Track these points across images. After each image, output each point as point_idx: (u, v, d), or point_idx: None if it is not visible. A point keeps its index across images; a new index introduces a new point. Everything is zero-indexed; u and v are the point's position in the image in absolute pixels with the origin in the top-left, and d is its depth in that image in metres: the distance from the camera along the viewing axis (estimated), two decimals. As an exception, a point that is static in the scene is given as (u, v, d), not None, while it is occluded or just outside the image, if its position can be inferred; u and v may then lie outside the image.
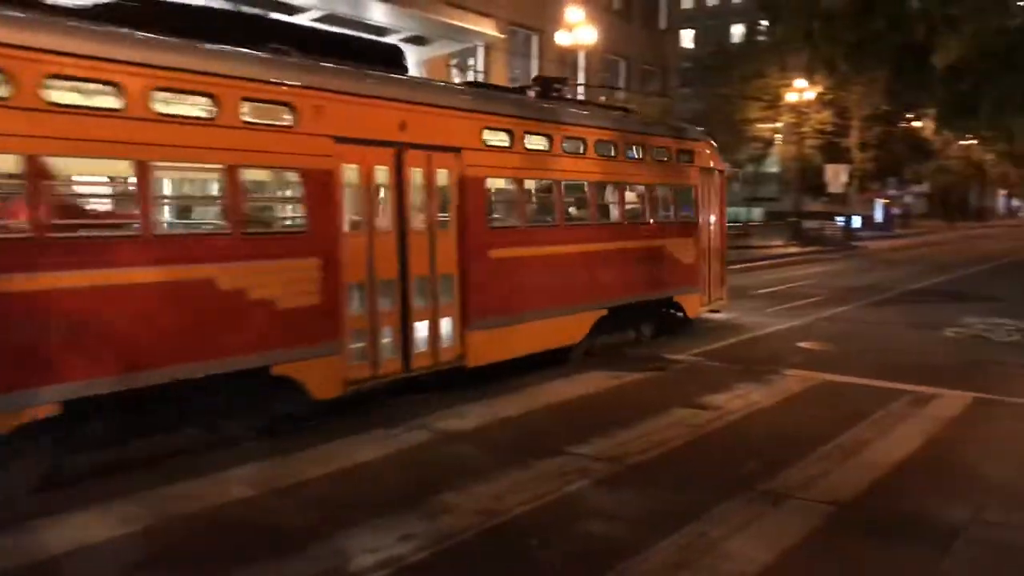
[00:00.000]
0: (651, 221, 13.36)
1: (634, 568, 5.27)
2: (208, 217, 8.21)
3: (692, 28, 73.00)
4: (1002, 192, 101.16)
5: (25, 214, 6.25)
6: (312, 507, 6.31)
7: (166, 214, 7.70)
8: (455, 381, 9.81)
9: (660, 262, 13.43)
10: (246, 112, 7.66)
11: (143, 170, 6.83)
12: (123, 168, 7.02)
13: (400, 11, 21.94)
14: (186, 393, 7.25)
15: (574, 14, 25.55)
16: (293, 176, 8.17)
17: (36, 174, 6.22)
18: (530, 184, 11.27)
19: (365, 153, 8.71)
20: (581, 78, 32.35)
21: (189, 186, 8.80)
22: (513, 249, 10.57)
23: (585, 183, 12.09)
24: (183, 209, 8.60)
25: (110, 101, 6.76)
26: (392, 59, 10.08)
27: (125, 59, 6.80)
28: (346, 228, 8.51)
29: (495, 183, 10.68)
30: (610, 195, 12.72)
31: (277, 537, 5.75)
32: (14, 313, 6.09)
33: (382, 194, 9.04)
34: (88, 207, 7.46)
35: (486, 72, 29.42)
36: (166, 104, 7.12)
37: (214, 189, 8.09)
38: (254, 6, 17.49)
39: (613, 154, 12.53)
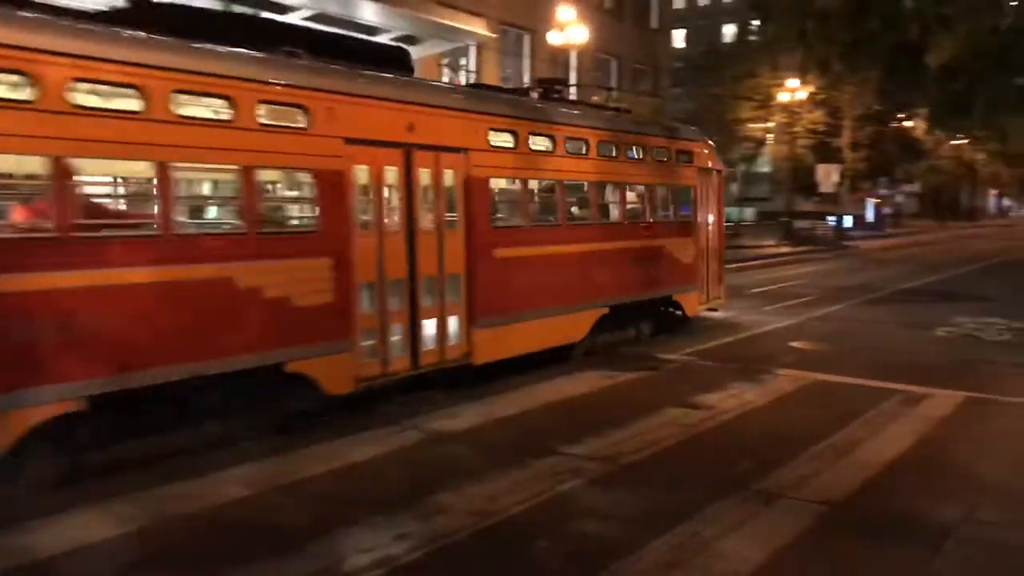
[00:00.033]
0: (651, 221, 13.52)
1: (627, 568, 5.28)
2: (224, 217, 8.33)
3: (683, 28, 73.12)
4: (993, 192, 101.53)
5: (50, 215, 6.40)
6: (307, 507, 6.31)
7: (184, 214, 7.80)
8: (450, 380, 9.83)
9: (660, 261, 13.60)
10: (262, 114, 7.82)
11: (163, 171, 6.98)
12: (143, 169, 7.18)
13: (391, 10, 21.89)
14: (200, 391, 7.38)
15: (565, 13, 25.56)
16: (306, 177, 8.35)
17: (62, 175, 6.38)
18: (534, 184, 11.42)
19: (375, 154, 8.87)
20: (573, 77, 32.35)
21: (207, 187, 8.94)
22: (518, 249, 10.74)
23: (587, 183, 12.29)
24: (201, 209, 8.71)
25: (131, 104, 6.90)
26: (399, 61, 10.27)
27: (146, 62, 6.95)
28: (357, 228, 8.65)
29: (500, 183, 10.87)
30: (611, 195, 12.89)
31: (273, 536, 5.75)
32: (43, 311, 6.25)
33: (391, 194, 9.16)
34: (110, 208, 7.58)
35: (477, 72, 29.41)
36: (185, 106, 7.28)
37: (230, 190, 8.22)
38: (245, 5, 17.44)
39: (614, 154, 12.68)
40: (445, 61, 28.87)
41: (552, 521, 6.05)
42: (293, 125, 8.13)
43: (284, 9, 19.49)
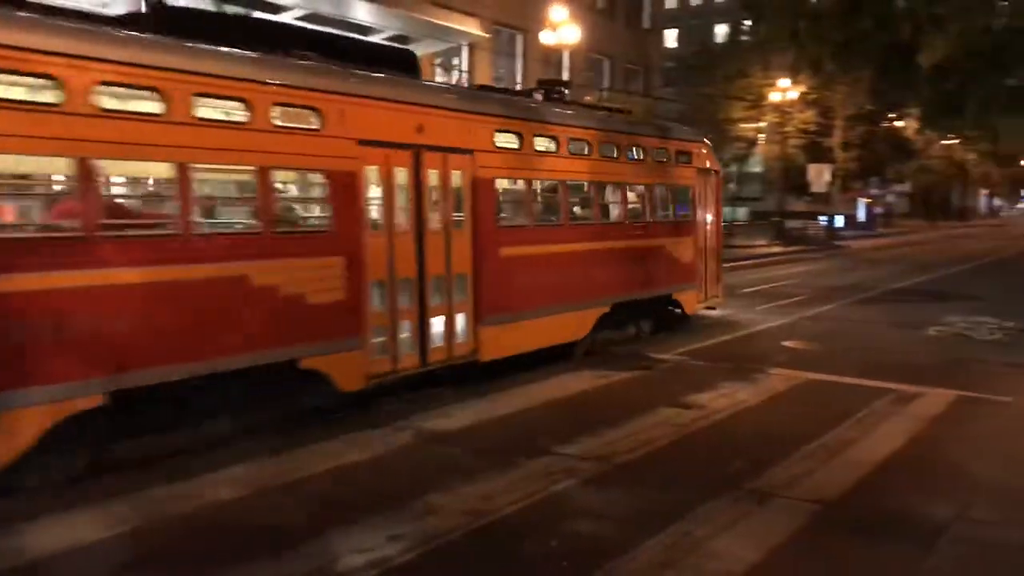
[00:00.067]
0: (652, 220, 13.71)
1: (621, 567, 5.28)
2: (241, 217, 8.46)
3: (676, 27, 73.24)
4: (983, 192, 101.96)
5: (76, 215, 6.58)
6: (302, 507, 6.31)
7: (203, 214, 7.93)
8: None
9: (660, 260, 13.79)
10: (277, 116, 7.98)
11: (183, 172, 7.15)
12: (164, 170, 7.34)
13: (385, 10, 21.89)
14: (216, 387, 7.54)
15: (558, 13, 25.56)
16: (319, 177, 8.51)
17: (87, 176, 6.55)
18: (538, 184, 11.56)
19: (385, 155, 9.03)
20: (565, 77, 32.36)
21: (224, 187, 9.06)
22: (522, 248, 10.93)
23: (590, 183, 12.48)
24: (218, 209, 8.82)
25: (153, 106, 7.06)
26: (407, 64, 10.47)
27: (168, 66, 7.13)
28: (368, 228, 8.83)
29: (505, 183, 11.03)
30: (614, 195, 13.06)
31: (268, 537, 5.74)
32: (71, 308, 6.44)
33: (401, 194, 9.31)
34: (132, 208, 7.69)
35: (470, 71, 29.40)
36: (204, 109, 7.44)
37: (246, 190, 8.37)
38: (238, 5, 17.39)
39: (616, 155, 12.86)
40: (438, 61, 28.87)
41: (546, 521, 6.05)
42: (307, 127, 8.30)
43: (277, 9, 19.46)
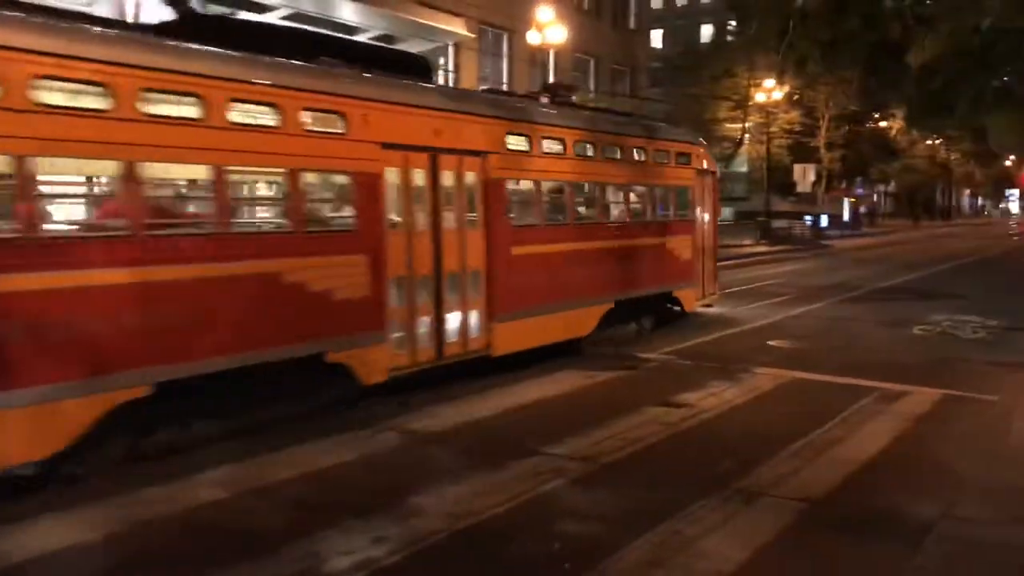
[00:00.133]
0: (654, 220, 14.19)
1: (609, 567, 5.26)
2: (273, 216, 8.77)
3: (661, 28, 73.35)
4: (967, 191, 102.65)
5: (121, 214, 6.92)
6: (286, 509, 6.25)
7: (238, 214, 8.24)
8: (433, 379, 9.82)
9: (661, 259, 14.22)
10: (306, 121, 8.33)
11: (219, 174, 7.48)
12: (202, 172, 7.66)
13: (370, 10, 21.82)
14: (251, 380, 7.84)
15: (544, 13, 25.56)
16: (345, 179, 8.92)
17: (131, 178, 6.88)
18: (547, 185, 11.92)
19: (406, 157, 9.41)
20: (551, 78, 32.35)
21: (256, 188, 9.32)
22: (532, 246, 11.33)
23: (596, 184, 12.91)
24: (252, 209, 9.13)
25: (191, 111, 7.38)
26: (422, 70, 10.88)
27: (205, 72, 7.46)
28: (389, 227, 9.19)
29: (516, 184, 11.37)
30: (618, 195, 13.50)
31: (251, 539, 5.69)
32: (121, 303, 6.79)
33: (419, 195, 9.68)
34: (170, 208, 7.88)
35: (457, 71, 29.35)
36: (238, 114, 7.78)
37: (278, 191, 8.72)
38: (222, 5, 17.33)
39: (620, 156, 13.27)
40: (423, 61, 28.76)
41: (533, 521, 6.03)
42: (333, 131, 8.65)
43: (262, 8, 19.38)
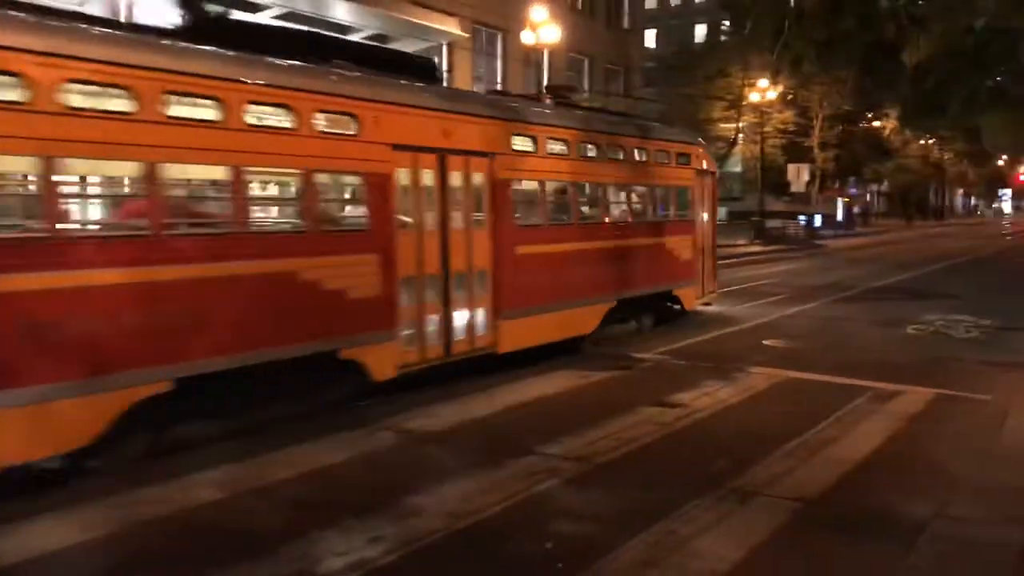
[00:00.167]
0: (655, 220, 14.40)
1: (604, 567, 5.27)
2: (288, 216, 8.87)
3: (655, 28, 73.40)
4: (960, 191, 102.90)
5: (144, 215, 7.06)
6: (282, 509, 6.25)
7: (254, 214, 8.37)
8: (428, 380, 9.84)
9: (662, 258, 14.40)
10: (321, 123, 8.51)
11: (237, 175, 7.63)
12: (220, 173, 7.77)
13: (364, 9, 21.80)
14: (266, 376, 7.94)
15: (538, 13, 25.57)
16: (357, 180, 9.13)
17: (153, 179, 7.01)
18: (551, 185, 12.07)
19: (415, 158, 9.58)
20: (545, 78, 32.35)
21: (272, 189, 9.42)
22: (537, 246, 11.52)
23: (598, 184, 13.08)
24: (269, 209, 9.23)
25: (210, 113, 7.52)
26: (429, 72, 11.07)
27: (224, 75, 7.62)
28: (399, 227, 9.34)
29: (521, 185, 11.54)
30: (620, 195, 13.67)
31: (247, 539, 5.68)
32: (142, 300, 6.93)
33: (428, 196, 9.85)
34: (193, 208, 8.09)
35: (451, 71, 29.33)
36: (254, 116, 7.91)
37: (293, 191, 8.85)
38: (218, 4, 17.25)
39: (622, 157, 13.44)
40: (418, 60, 28.73)
41: (528, 521, 6.04)
42: (346, 132, 8.79)
43: (255, 8, 19.35)
